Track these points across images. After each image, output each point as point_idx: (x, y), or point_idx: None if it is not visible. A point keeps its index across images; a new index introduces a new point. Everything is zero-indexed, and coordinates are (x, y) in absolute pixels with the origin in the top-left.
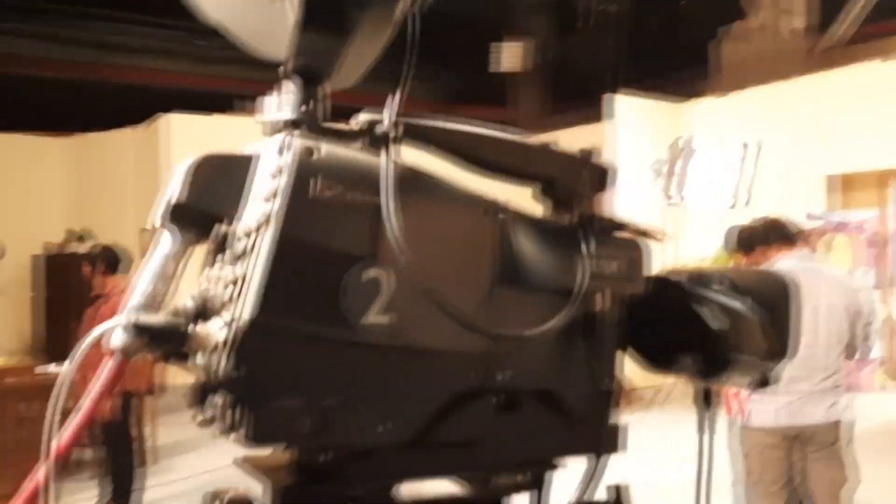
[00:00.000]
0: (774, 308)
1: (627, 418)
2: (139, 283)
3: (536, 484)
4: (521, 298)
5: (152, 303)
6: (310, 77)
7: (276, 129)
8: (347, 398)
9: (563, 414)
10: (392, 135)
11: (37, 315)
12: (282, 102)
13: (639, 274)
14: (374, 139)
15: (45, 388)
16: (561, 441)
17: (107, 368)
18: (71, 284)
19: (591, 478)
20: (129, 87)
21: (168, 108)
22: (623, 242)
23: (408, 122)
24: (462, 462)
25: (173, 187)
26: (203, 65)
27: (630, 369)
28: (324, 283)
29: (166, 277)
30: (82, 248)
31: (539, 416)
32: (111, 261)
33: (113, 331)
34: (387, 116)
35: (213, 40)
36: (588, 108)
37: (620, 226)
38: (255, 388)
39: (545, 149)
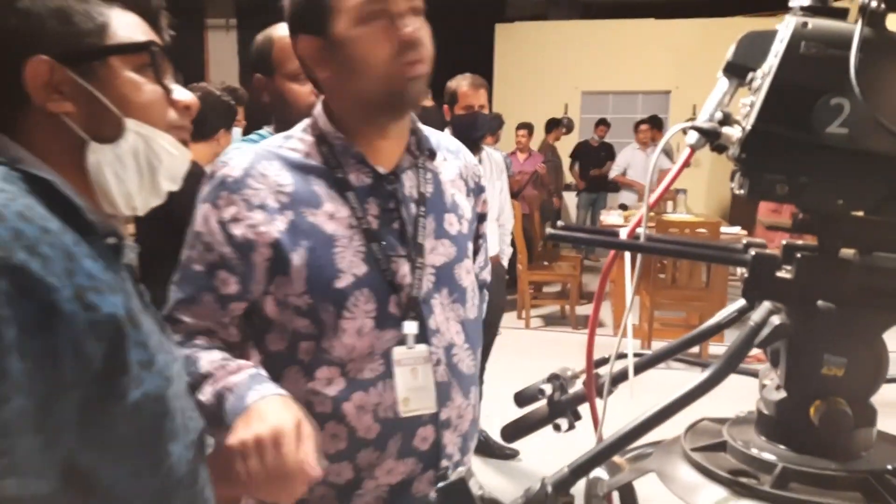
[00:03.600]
0: None
1: None
2: (705, 107)
3: None
4: None
5: (711, 119)
6: None
7: (795, 13)
8: (815, 179)
9: None
10: (870, 6)
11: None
12: None
13: None
14: (859, 10)
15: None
16: None
17: (684, 154)
18: None
19: None
20: None
21: None
22: None
23: None
24: None
25: (730, 51)
26: None
27: None
28: (802, 105)
29: (722, 105)
30: None
31: None
32: None
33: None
34: None
35: None
36: None
37: None
38: (752, 165)
39: None
